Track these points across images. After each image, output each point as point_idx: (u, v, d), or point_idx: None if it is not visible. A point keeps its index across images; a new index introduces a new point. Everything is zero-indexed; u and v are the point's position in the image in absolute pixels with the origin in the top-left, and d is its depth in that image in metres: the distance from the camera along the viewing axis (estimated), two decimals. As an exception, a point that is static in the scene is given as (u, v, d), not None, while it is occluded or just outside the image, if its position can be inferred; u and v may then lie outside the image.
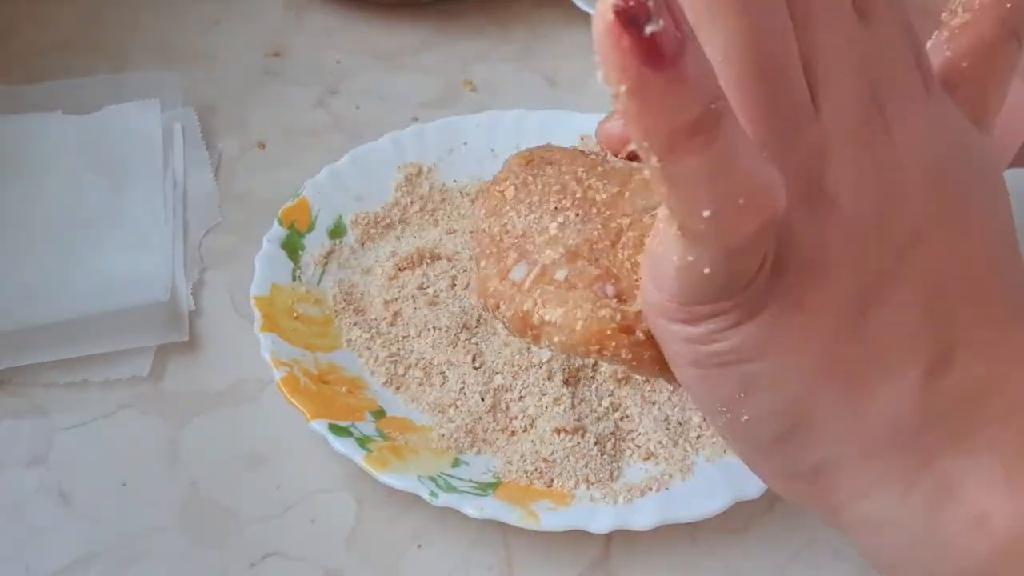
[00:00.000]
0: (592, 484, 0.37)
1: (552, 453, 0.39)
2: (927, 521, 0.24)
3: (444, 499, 0.36)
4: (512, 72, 0.60)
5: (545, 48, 0.62)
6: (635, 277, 0.26)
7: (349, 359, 0.42)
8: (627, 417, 0.41)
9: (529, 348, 0.42)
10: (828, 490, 0.25)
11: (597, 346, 0.25)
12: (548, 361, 0.41)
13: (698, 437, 0.40)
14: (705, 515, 0.36)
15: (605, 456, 0.39)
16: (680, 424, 0.40)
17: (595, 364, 0.42)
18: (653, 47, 0.18)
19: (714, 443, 0.39)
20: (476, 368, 0.41)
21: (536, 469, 0.38)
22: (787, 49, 0.22)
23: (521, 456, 0.39)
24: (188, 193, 0.50)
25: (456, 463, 0.38)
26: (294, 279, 0.44)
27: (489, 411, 0.40)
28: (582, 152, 0.30)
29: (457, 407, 0.40)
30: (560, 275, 0.26)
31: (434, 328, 0.42)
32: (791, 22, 0.22)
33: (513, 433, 0.40)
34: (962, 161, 0.25)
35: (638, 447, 0.40)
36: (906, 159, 0.24)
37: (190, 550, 0.38)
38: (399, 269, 0.45)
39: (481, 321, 0.43)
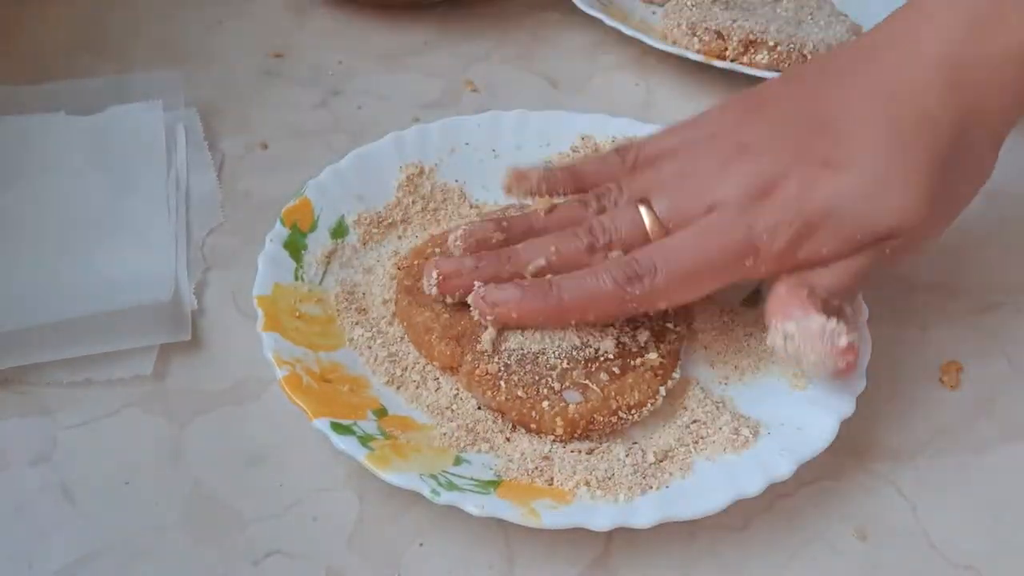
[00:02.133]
0: (592, 483, 0.37)
1: (551, 451, 0.39)
2: None
3: (446, 497, 0.36)
4: (513, 73, 0.60)
5: (546, 49, 0.62)
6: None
7: (351, 358, 0.42)
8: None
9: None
10: None
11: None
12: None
13: (698, 436, 0.40)
14: (705, 513, 0.36)
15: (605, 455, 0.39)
16: (680, 422, 0.41)
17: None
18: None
19: (714, 442, 0.39)
20: None
21: (536, 467, 0.38)
22: None
23: (521, 454, 0.39)
24: (191, 193, 0.51)
25: (458, 461, 0.38)
26: (296, 278, 0.44)
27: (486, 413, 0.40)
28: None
29: (453, 410, 0.40)
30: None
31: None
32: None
33: (513, 430, 0.40)
34: None
35: (635, 443, 0.40)
36: None
37: (192, 548, 0.38)
38: (400, 269, 0.46)
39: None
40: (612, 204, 0.42)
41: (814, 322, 0.37)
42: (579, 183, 0.44)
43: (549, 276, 0.40)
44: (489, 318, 0.40)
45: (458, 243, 0.42)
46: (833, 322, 0.37)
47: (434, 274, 0.41)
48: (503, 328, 0.40)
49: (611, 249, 0.40)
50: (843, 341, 0.37)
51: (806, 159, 0.39)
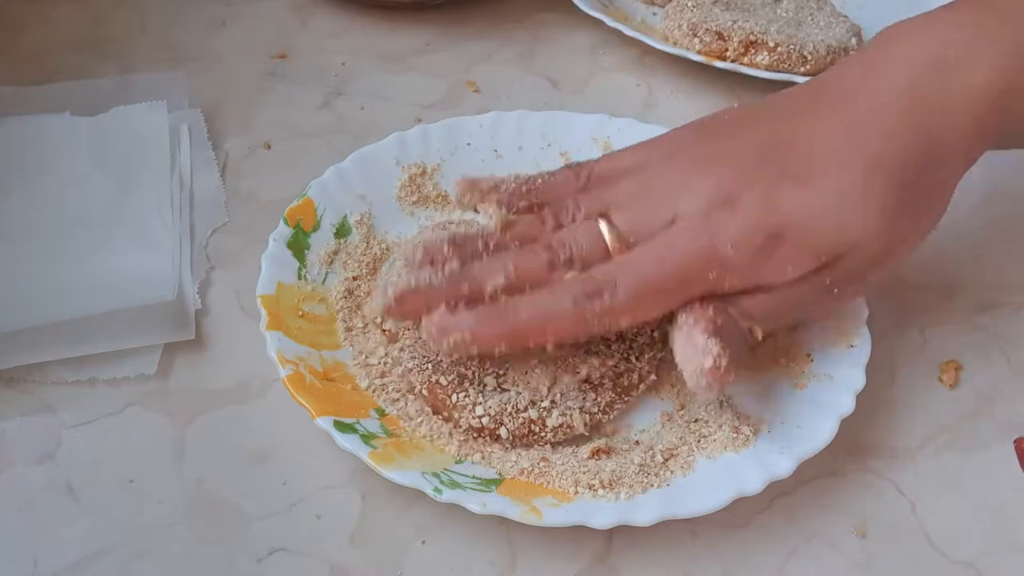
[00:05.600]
0: (595, 485, 0.38)
1: (550, 453, 0.39)
2: None
3: (448, 495, 0.36)
4: (515, 73, 0.61)
5: (547, 50, 0.63)
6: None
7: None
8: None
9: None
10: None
11: None
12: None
13: (700, 435, 0.40)
14: (705, 511, 0.37)
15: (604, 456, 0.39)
16: (682, 421, 0.41)
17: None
18: None
19: (715, 440, 0.39)
20: None
21: (535, 468, 0.38)
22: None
23: (519, 455, 0.39)
24: (195, 193, 0.51)
25: (460, 459, 0.39)
26: (300, 278, 0.44)
27: None
28: None
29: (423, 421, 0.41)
30: None
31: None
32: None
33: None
34: None
35: (638, 443, 0.40)
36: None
37: (196, 546, 0.38)
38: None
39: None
40: (569, 220, 0.40)
41: (696, 339, 0.37)
42: (531, 196, 0.41)
43: (504, 298, 0.38)
44: (443, 347, 0.37)
45: (417, 256, 0.39)
46: (712, 343, 0.36)
47: (389, 292, 0.38)
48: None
49: (571, 265, 0.38)
50: (708, 362, 0.36)
51: (769, 172, 0.39)
